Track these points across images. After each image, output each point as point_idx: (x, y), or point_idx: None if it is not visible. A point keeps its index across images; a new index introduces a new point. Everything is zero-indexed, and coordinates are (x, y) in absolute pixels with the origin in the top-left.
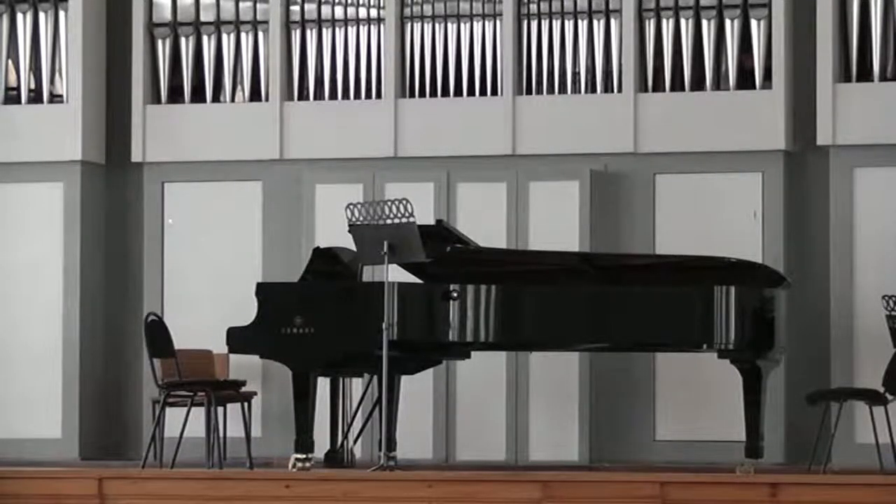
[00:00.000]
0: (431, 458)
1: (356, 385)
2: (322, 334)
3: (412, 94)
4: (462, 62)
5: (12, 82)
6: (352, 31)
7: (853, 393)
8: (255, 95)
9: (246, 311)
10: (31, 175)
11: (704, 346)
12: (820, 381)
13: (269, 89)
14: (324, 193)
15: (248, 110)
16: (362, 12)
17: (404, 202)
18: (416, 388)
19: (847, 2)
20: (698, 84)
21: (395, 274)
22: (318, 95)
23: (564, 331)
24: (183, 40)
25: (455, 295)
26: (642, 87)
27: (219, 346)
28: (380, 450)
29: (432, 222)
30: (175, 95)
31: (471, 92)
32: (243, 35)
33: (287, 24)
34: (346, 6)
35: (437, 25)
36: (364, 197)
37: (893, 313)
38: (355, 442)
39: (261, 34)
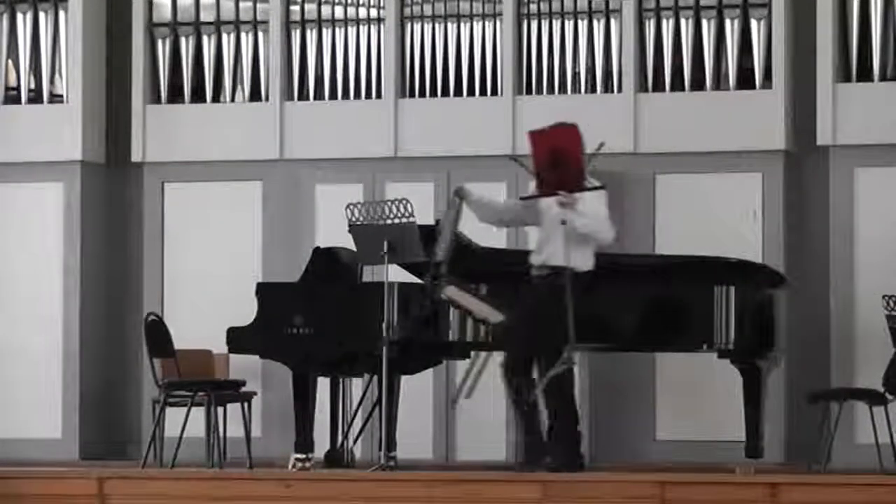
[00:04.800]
0: (431, 458)
1: (356, 385)
2: (322, 334)
3: (412, 94)
4: (462, 62)
5: (12, 82)
6: (352, 31)
7: (853, 393)
8: (255, 95)
9: (246, 311)
10: (31, 175)
11: (704, 346)
12: (820, 381)
13: (269, 89)
14: (324, 193)
15: (248, 110)
16: (362, 12)
17: (404, 202)
18: (416, 388)
19: (847, 2)
20: (698, 84)
21: (396, 274)
22: (318, 95)
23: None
24: (183, 40)
25: None
26: (642, 87)
27: (219, 346)
28: (380, 450)
29: (432, 222)
30: (175, 95)
31: (471, 92)
32: (243, 35)
33: (287, 24)
34: (346, 6)
35: (437, 25)
36: (364, 197)
37: (893, 313)
38: (355, 442)
39: (261, 34)
